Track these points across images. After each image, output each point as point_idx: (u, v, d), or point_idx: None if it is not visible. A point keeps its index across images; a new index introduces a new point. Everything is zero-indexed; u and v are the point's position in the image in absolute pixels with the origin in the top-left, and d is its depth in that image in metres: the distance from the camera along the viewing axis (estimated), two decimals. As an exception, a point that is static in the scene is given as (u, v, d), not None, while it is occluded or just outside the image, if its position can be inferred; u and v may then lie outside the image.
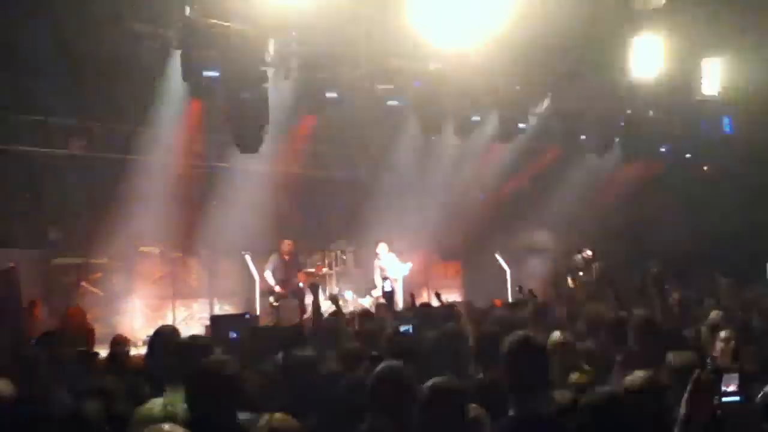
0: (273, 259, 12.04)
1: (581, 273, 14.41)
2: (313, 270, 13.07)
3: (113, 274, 11.48)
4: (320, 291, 7.96)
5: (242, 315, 9.45)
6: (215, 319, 9.25)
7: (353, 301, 13.10)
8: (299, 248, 13.70)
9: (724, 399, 3.37)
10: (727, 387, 3.40)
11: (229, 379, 3.26)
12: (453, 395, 3.12)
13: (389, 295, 11.37)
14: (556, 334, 4.78)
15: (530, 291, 9.55)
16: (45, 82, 10.28)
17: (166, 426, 2.41)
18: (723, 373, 3.49)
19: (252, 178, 12.48)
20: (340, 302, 11.39)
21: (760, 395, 3.42)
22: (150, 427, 2.45)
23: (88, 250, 11.34)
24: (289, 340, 5.53)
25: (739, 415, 3.28)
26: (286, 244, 12.19)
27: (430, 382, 3.18)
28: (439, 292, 9.60)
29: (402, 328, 6.11)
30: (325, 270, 13.72)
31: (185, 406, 3.31)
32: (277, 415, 2.94)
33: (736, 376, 3.41)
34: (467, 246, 15.47)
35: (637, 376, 3.50)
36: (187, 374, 3.36)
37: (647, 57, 12.50)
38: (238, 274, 12.60)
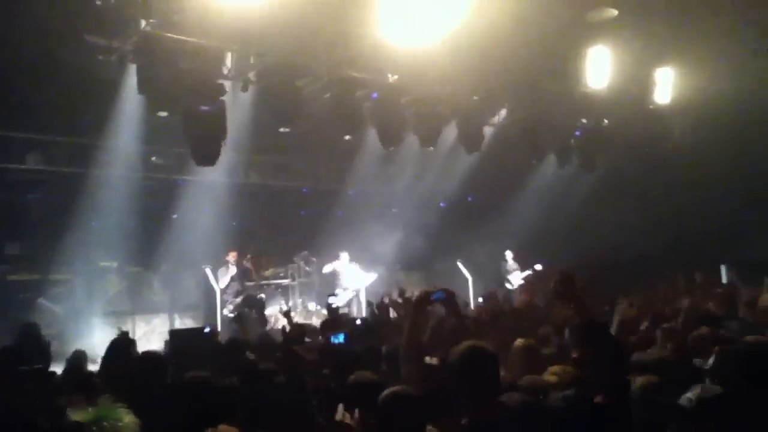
0: (221, 272, 11.91)
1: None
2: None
3: (72, 290, 11.31)
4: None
5: (202, 329, 9.33)
6: (174, 334, 9.15)
7: (317, 312, 13.11)
8: (262, 260, 13.66)
9: None
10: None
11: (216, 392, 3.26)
12: (412, 404, 3.13)
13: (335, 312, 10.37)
14: (520, 340, 4.93)
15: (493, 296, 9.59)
16: (0, 97, 10.12)
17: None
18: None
19: (213, 190, 12.43)
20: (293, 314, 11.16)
21: (683, 398, 3.44)
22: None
23: (46, 265, 11.17)
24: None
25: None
26: (231, 255, 12.07)
27: (387, 390, 3.20)
28: (404, 289, 9.27)
29: (334, 339, 6.19)
30: (288, 281, 13.75)
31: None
32: (222, 427, 2.99)
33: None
34: (430, 255, 15.57)
35: None
36: (168, 386, 3.32)
37: (601, 67, 12.73)
38: (199, 287, 12.54)
